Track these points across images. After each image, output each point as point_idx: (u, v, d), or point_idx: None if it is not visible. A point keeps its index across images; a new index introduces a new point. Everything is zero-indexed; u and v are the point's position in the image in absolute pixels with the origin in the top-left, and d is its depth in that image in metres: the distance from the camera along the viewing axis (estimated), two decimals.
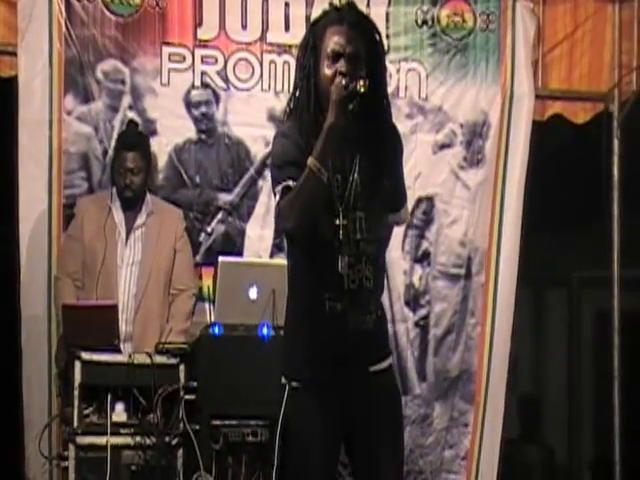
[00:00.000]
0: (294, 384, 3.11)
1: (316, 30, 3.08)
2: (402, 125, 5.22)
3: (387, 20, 5.17)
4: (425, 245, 5.33)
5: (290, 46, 5.05)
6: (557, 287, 8.32)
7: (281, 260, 4.99)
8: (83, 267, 4.61)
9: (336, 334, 3.08)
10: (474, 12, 5.30)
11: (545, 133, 5.49)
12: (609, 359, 5.63)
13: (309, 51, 3.07)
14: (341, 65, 3.01)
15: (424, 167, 5.27)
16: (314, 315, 3.10)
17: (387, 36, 5.15)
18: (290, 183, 3.00)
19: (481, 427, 5.37)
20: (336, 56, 3.03)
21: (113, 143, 4.85)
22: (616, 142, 5.50)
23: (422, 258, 5.33)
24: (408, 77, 5.23)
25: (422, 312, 5.33)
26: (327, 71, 3.02)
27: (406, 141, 5.17)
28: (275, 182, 3.05)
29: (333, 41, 3.03)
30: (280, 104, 5.06)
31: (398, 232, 5.27)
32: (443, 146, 5.31)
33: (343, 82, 2.95)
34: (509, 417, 6.57)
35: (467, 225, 5.34)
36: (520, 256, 5.42)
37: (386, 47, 5.08)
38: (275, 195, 3.04)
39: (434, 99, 5.28)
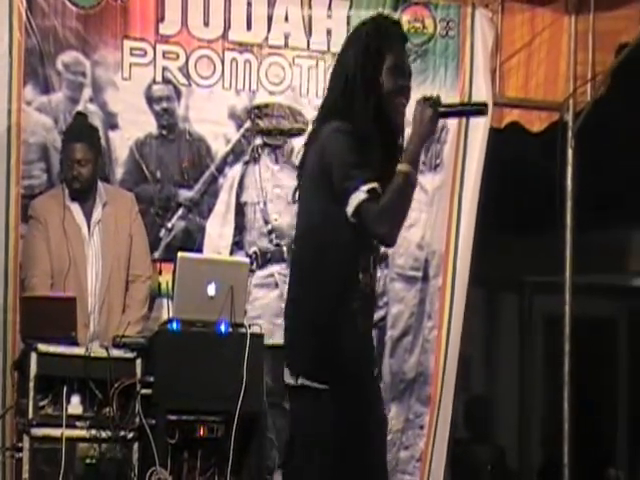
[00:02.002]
0: (321, 386, 3.03)
1: (376, 41, 3.11)
2: None
3: (348, 24, 5.07)
4: (383, 247, 5.23)
5: (252, 45, 4.97)
6: (510, 291, 8.31)
7: (240, 258, 4.90)
8: (52, 268, 4.47)
9: (356, 337, 3.06)
10: (434, 18, 5.24)
11: (502, 140, 5.43)
12: (559, 365, 5.55)
13: (368, 59, 3.08)
14: (404, 81, 3.11)
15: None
16: (341, 317, 3.05)
17: None
18: (376, 186, 2.96)
19: (434, 429, 5.28)
20: (399, 71, 3.10)
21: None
22: (570, 151, 5.44)
23: (381, 260, 5.22)
24: None
25: (380, 314, 5.21)
26: (389, 84, 3.08)
27: None
28: (354, 180, 2.96)
29: (395, 56, 3.11)
30: (241, 102, 4.96)
31: None
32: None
33: (425, 97, 3.04)
34: (461, 418, 6.52)
35: (425, 228, 5.26)
36: (475, 260, 5.36)
37: None
38: (348, 190, 2.95)
39: None
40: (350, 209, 2.97)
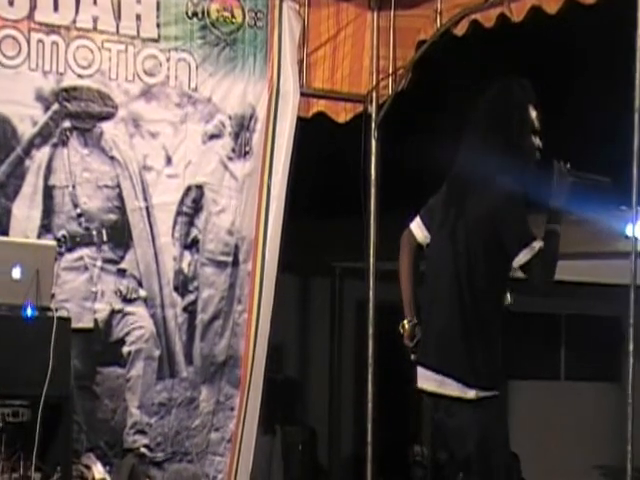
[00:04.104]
0: (493, 393, 3.58)
1: (521, 104, 3.62)
2: (172, 114, 5.07)
3: (157, 9, 4.95)
4: (194, 232, 5.16)
5: (59, 27, 4.77)
6: (321, 277, 8.40)
7: (47, 241, 4.73)
8: None
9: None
10: (243, 8, 5.17)
11: (310, 129, 5.45)
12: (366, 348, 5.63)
13: (519, 123, 3.60)
14: (539, 142, 3.64)
15: (194, 156, 5.10)
16: (498, 334, 3.61)
17: (157, 25, 4.96)
18: (542, 244, 3.53)
19: (244, 411, 5.25)
20: (536, 132, 3.63)
21: None
22: (374, 141, 5.51)
23: (191, 245, 5.15)
24: (178, 67, 5.03)
25: (190, 298, 5.14)
26: (534, 142, 3.63)
27: (176, 130, 5.10)
28: (526, 235, 3.54)
29: (535, 117, 3.63)
30: (48, 84, 4.76)
31: (168, 219, 5.10)
32: (212, 136, 5.15)
33: (559, 162, 3.58)
34: (272, 400, 6.52)
35: (235, 214, 5.21)
36: (286, 246, 5.36)
37: (157, 36, 5.04)
38: (521, 244, 3.53)
39: (204, 90, 5.10)
40: (519, 262, 3.53)
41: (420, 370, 3.67)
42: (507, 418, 3.76)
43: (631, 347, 4.52)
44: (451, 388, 3.55)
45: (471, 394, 3.54)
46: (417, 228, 3.85)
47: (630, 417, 4.47)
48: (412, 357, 3.75)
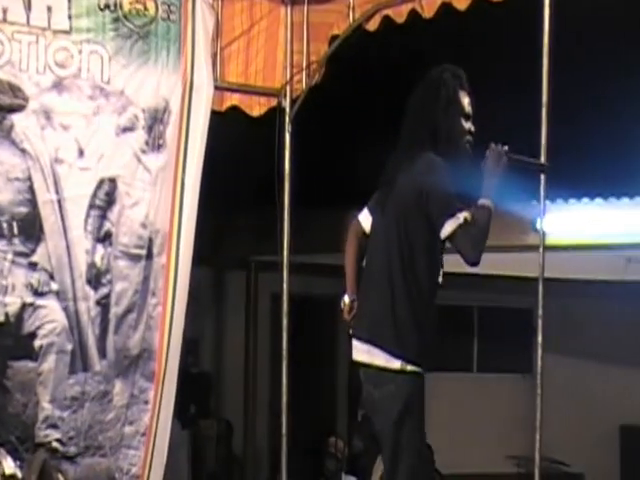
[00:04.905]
0: (418, 369, 3.62)
1: (450, 87, 3.70)
2: (85, 106, 5.03)
3: (69, 0, 4.90)
4: (107, 225, 5.13)
5: None
6: (236, 270, 8.40)
7: None
8: None
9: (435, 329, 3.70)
10: (156, 1, 5.14)
11: (224, 123, 5.45)
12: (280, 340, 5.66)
13: (446, 104, 3.68)
14: (471, 126, 3.72)
15: (107, 149, 5.07)
16: (431, 311, 3.69)
17: (69, 17, 4.92)
18: (468, 215, 3.54)
19: (159, 404, 5.24)
20: (467, 117, 3.71)
21: None
22: (287, 136, 5.54)
23: (104, 238, 5.12)
24: (90, 59, 4.99)
25: (103, 291, 5.11)
26: (464, 126, 3.70)
27: (89, 122, 5.07)
28: (452, 206, 3.55)
29: (467, 103, 3.73)
30: None
31: (80, 212, 5.06)
32: (126, 129, 5.12)
33: (495, 145, 3.66)
34: (187, 393, 6.52)
35: (149, 207, 5.18)
36: (202, 240, 5.36)
37: (68, 28, 5.00)
38: (445, 215, 3.54)
39: (116, 82, 5.06)
40: (445, 232, 3.55)
41: (354, 342, 3.76)
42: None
43: (540, 339, 4.64)
44: (378, 358, 3.63)
45: (396, 364, 3.60)
46: (364, 217, 3.92)
47: (539, 407, 4.58)
48: (350, 331, 3.83)
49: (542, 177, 4.52)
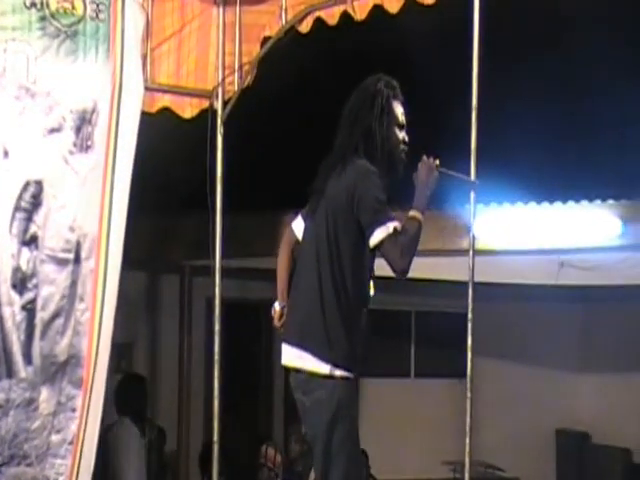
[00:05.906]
0: (347, 374, 3.64)
1: (384, 97, 3.74)
2: (10, 107, 4.94)
3: None
4: (33, 229, 5.03)
5: None
6: (170, 274, 8.33)
7: None
8: None
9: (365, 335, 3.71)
10: (84, 0, 5.07)
11: (155, 124, 5.38)
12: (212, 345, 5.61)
13: (381, 113, 3.72)
14: (405, 135, 3.77)
15: (33, 150, 4.97)
16: (360, 316, 3.69)
17: None
18: (398, 225, 3.58)
19: (87, 411, 5.15)
20: (401, 127, 3.77)
21: None
22: (220, 138, 5.50)
23: (30, 241, 5.02)
24: (16, 59, 4.89)
25: (29, 295, 5.01)
26: (398, 135, 3.75)
27: (14, 123, 4.96)
28: (382, 215, 3.58)
29: (400, 113, 3.78)
30: None
31: (5, 214, 4.96)
32: (53, 130, 5.03)
33: (426, 158, 3.75)
34: (118, 399, 6.43)
35: (76, 210, 5.09)
36: (135, 243, 5.29)
37: None
38: (375, 223, 3.57)
39: (43, 83, 4.97)
40: (374, 240, 3.58)
41: (284, 347, 3.78)
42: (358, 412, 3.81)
43: (469, 342, 4.67)
44: (308, 363, 3.65)
45: (325, 369, 3.62)
46: (296, 224, 3.95)
47: (469, 411, 4.60)
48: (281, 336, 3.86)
49: (472, 194, 4.56)
